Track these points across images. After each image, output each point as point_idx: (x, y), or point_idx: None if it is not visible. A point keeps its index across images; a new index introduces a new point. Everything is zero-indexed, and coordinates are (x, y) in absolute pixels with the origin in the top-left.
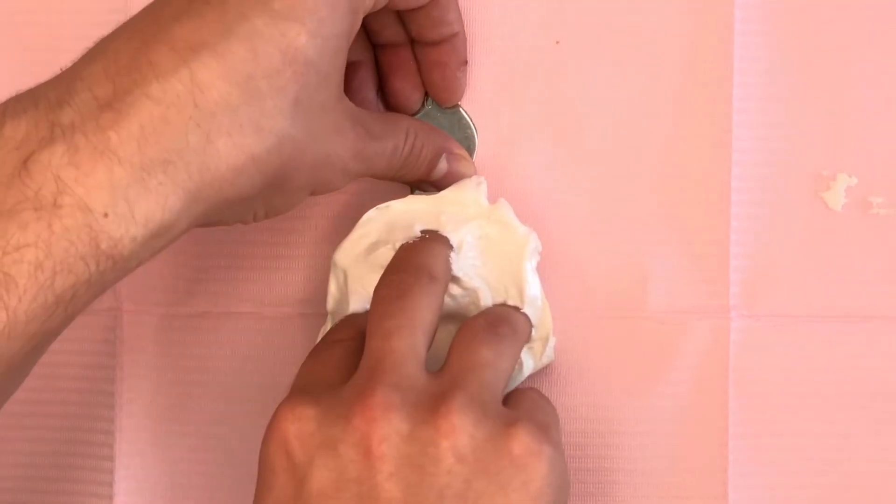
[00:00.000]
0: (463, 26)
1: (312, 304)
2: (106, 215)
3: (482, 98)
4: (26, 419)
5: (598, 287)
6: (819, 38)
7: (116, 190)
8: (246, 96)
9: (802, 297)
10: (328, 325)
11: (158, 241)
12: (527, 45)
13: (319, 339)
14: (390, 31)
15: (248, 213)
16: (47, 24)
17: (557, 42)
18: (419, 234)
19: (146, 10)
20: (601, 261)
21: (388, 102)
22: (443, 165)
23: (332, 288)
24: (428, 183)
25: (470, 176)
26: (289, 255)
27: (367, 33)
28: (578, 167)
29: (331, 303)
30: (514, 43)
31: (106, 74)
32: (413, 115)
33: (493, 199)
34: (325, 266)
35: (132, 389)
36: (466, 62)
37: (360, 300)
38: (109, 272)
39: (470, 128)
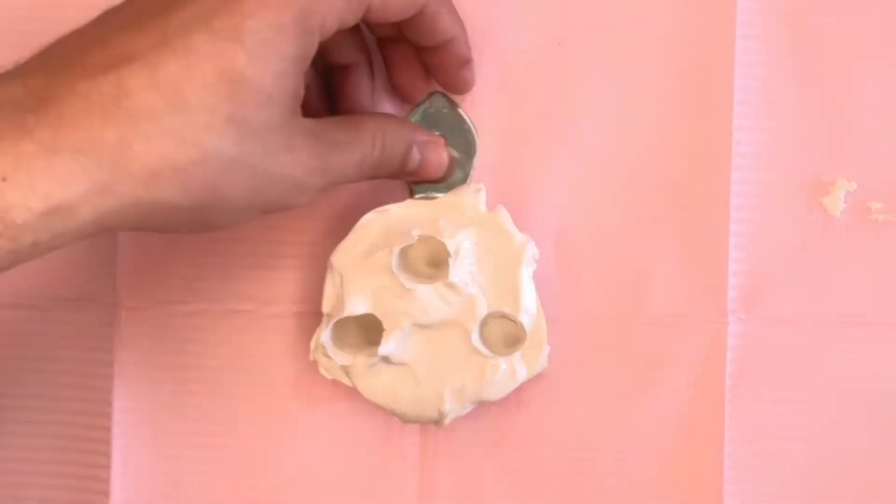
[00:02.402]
0: (461, 28)
1: (310, 303)
2: (4, 179)
3: (484, 100)
4: (22, 414)
5: (596, 290)
6: (819, 44)
7: (20, 160)
8: (171, 108)
9: (800, 302)
10: (324, 327)
11: (57, 220)
12: (529, 48)
13: (315, 339)
14: (385, 29)
15: (181, 223)
16: (52, 20)
17: (559, 44)
18: (415, 238)
19: (99, 17)
20: (600, 263)
21: (395, 94)
22: (415, 156)
23: (329, 290)
24: (405, 175)
25: (443, 159)
26: (287, 254)
27: (368, 29)
28: (578, 170)
29: (327, 305)
30: (516, 45)
31: (42, 69)
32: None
33: (493, 201)
34: (323, 266)
35: (129, 386)
36: (469, 60)
37: (356, 303)
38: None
39: (471, 131)
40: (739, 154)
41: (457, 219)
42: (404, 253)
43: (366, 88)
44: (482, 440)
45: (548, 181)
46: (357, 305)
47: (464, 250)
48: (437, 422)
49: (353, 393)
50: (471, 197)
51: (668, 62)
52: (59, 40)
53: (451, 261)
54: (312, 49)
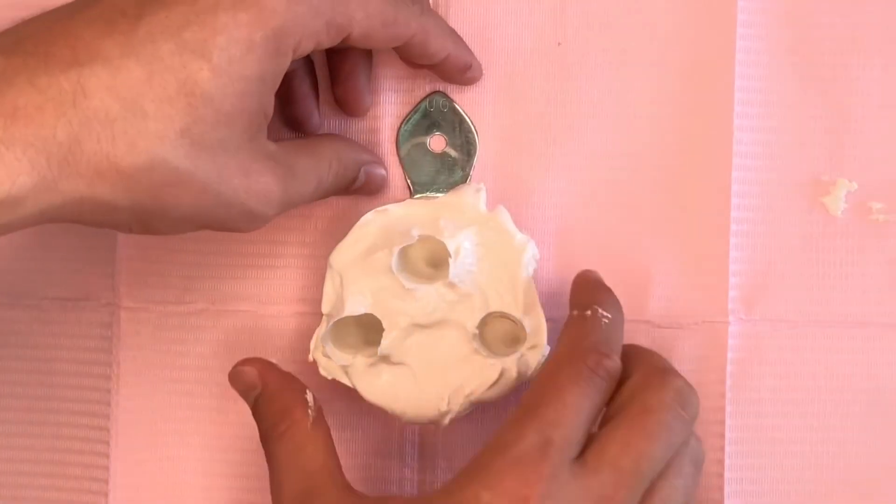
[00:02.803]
0: (454, 43)
1: (310, 303)
2: None
3: (483, 100)
4: (22, 414)
5: None
6: (819, 44)
7: None
8: (127, 113)
9: (801, 302)
10: (324, 327)
11: (2, 213)
12: (528, 47)
13: (315, 339)
14: None
15: (120, 223)
16: None
17: (559, 44)
18: (415, 238)
19: (73, 4)
20: (601, 264)
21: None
22: (362, 177)
23: (329, 290)
24: (349, 193)
25: (384, 176)
26: (287, 254)
27: None
28: (578, 170)
29: (327, 305)
30: (515, 44)
31: (4, 53)
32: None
33: (493, 201)
34: (323, 266)
35: (128, 386)
36: (470, 65)
37: (356, 303)
38: None
39: (471, 130)
40: (739, 154)
41: (457, 219)
42: (404, 253)
43: (363, 73)
44: (482, 440)
45: (548, 181)
46: (357, 305)
47: (464, 250)
48: (437, 422)
49: (352, 393)
50: (471, 197)
51: (668, 62)
52: (27, 22)
53: (451, 261)
54: (283, 69)
